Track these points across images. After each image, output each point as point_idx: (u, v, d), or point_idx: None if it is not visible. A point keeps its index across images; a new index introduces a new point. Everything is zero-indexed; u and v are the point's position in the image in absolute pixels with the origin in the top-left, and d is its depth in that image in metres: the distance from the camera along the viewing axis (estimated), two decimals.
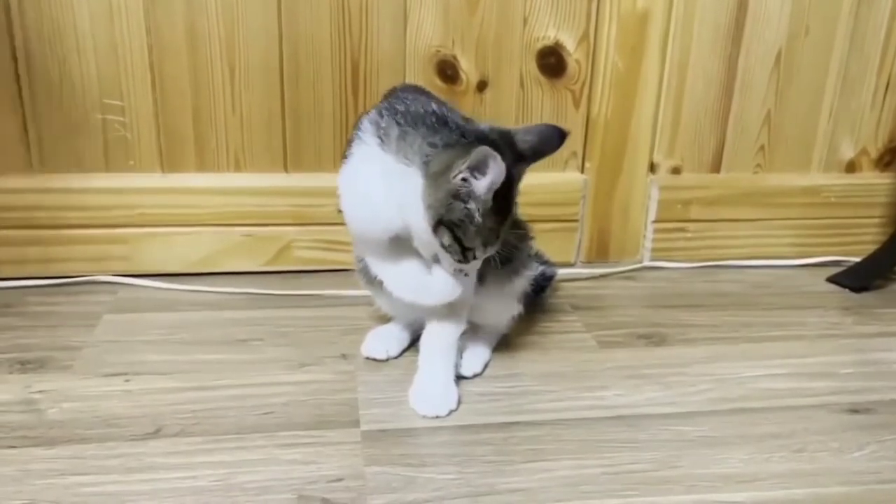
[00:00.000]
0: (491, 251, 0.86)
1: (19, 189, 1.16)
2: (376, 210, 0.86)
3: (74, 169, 1.17)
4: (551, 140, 0.88)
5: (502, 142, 0.83)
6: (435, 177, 0.81)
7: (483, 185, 0.79)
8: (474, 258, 0.85)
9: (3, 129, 1.14)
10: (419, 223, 0.83)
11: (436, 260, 0.88)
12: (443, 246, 0.83)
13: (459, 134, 0.82)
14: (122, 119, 1.16)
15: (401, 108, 0.84)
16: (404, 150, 0.82)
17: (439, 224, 0.82)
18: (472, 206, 0.80)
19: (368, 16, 1.16)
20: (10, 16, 1.09)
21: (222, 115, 1.18)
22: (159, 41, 1.13)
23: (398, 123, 0.83)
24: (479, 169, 0.78)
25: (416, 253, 0.89)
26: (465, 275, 0.89)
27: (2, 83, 1.12)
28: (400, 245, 0.89)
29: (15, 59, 1.11)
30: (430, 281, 0.89)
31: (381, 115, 0.85)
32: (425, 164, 0.81)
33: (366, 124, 0.86)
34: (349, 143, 0.89)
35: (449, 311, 0.93)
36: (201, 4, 1.12)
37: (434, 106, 0.84)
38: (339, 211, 0.92)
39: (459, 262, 0.85)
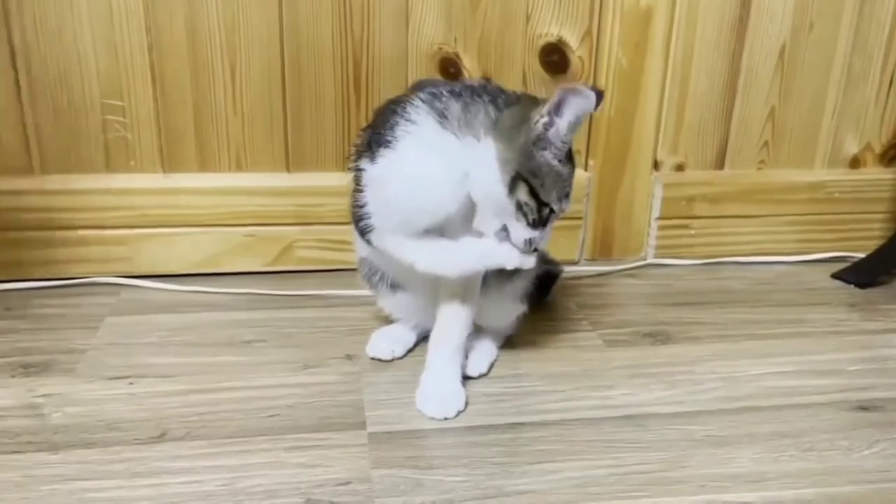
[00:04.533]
0: (566, 207, 0.87)
1: (19, 191, 1.15)
2: (436, 190, 0.85)
3: (75, 170, 1.17)
4: None
5: None
6: (510, 131, 0.83)
7: (566, 121, 0.82)
8: (548, 218, 0.85)
9: (2, 130, 1.13)
10: (492, 189, 0.83)
11: (502, 236, 0.87)
12: (519, 205, 0.83)
13: (517, 96, 0.86)
14: (122, 119, 1.16)
15: (456, 86, 0.87)
16: (469, 122, 0.84)
17: (517, 179, 0.82)
18: (549, 152, 0.82)
19: (370, 13, 1.15)
20: (10, 16, 1.08)
21: (223, 114, 1.18)
22: (159, 40, 1.13)
23: (458, 96, 0.85)
24: (560, 106, 0.81)
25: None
26: (535, 250, 0.87)
27: (1, 84, 1.11)
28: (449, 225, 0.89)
29: (14, 60, 1.10)
30: (492, 244, 0.87)
31: (436, 96, 0.85)
32: (495, 125, 0.83)
33: (417, 105, 0.85)
34: (387, 129, 0.85)
35: (462, 302, 0.92)
36: (202, 3, 1.12)
37: (486, 81, 0.91)
38: (361, 206, 0.89)
39: (533, 224, 0.84)
